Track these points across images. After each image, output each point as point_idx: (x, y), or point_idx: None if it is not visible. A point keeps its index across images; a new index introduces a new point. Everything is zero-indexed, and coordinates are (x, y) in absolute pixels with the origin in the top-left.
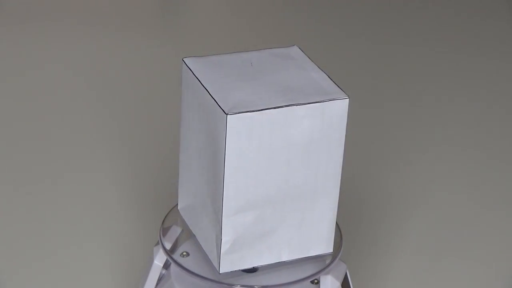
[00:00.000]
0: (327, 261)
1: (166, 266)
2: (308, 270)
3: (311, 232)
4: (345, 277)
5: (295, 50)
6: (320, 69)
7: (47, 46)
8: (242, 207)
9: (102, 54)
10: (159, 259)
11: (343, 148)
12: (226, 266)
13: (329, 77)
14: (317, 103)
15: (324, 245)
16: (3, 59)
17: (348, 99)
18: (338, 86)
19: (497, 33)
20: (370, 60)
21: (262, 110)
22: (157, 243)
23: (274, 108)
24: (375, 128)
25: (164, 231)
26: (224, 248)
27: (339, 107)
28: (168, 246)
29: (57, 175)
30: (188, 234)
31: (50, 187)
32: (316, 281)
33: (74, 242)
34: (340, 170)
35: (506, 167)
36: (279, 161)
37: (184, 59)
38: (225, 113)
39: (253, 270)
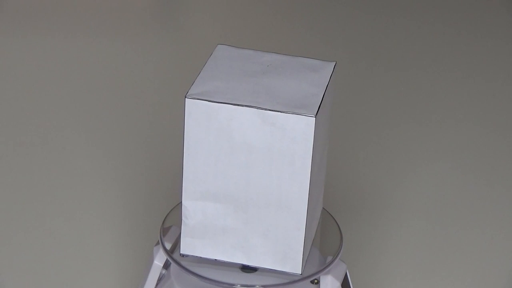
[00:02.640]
0: (327, 261)
1: (166, 266)
2: (308, 270)
3: (278, 247)
4: (345, 277)
5: (327, 66)
6: (326, 87)
7: (47, 46)
8: (203, 195)
9: (102, 54)
10: (159, 259)
11: (310, 170)
12: (187, 248)
13: (323, 96)
14: (278, 113)
15: (290, 265)
16: (2, 59)
17: (314, 118)
18: (319, 106)
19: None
20: (370, 56)
21: (221, 103)
22: (157, 243)
23: (233, 104)
24: (375, 128)
25: (164, 231)
26: (183, 229)
27: (303, 124)
28: (168, 246)
29: (57, 175)
30: None
31: (49, 187)
32: (316, 281)
33: (73, 242)
34: (307, 192)
35: (507, 166)
36: (239, 160)
37: (218, 44)
38: (185, 96)
39: (252, 269)
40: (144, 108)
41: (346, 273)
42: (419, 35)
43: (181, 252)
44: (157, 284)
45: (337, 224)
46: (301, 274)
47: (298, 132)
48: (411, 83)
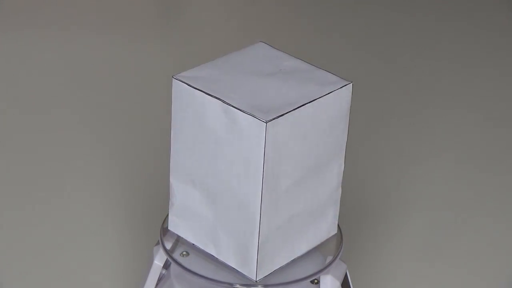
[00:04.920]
0: (327, 261)
1: (166, 266)
2: (308, 270)
3: (238, 248)
4: (345, 277)
5: (337, 83)
6: (312, 100)
7: (47, 46)
8: (184, 178)
9: (101, 54)
10: (159, 259)
11: (262, 176)
12: (172, 226)
13: (299, 107)
14: (237, 111)
15: (247, 269)
16: (2, 59)
17: (265, 124)
18: (281, 114)
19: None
20: (372, 56)
21: (195, 88)
22: (157, 243)
23: (204, 93)
24: (376, 128)
25: (165, 231)
26: (170, 206)
27: (256, 127)
28: (168, 245)
29: (57, 175)
30: None
31: (49, 188)
32: (316, 281)
33: (74, 243)
34: (259, 197)
35: (507, 166)
36: (209, 148)
37: (260, 41)
38: (172, 76)
39: None
40: (144, 108)
41: (346, 273)
42: (419, 37)
43: (168, 227)
44: (157, 284)
45: (337, 224)
46: (256, 281)
47: (253, 134)
48: (414, 82)
